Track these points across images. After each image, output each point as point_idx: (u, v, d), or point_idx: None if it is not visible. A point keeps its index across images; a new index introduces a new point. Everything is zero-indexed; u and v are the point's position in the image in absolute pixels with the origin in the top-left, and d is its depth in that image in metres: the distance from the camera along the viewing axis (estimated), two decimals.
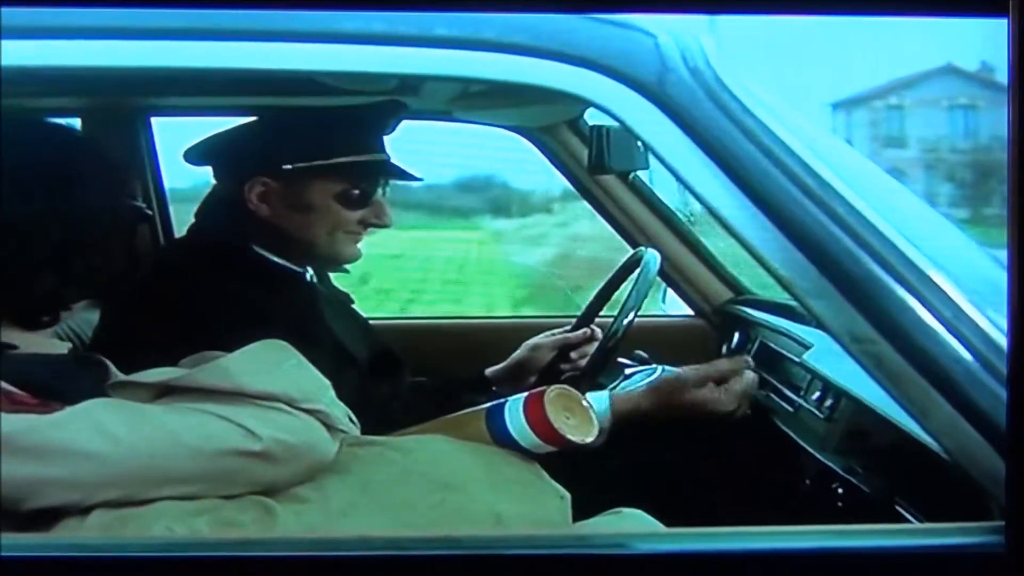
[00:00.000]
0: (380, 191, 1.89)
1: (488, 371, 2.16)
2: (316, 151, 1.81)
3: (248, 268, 1.82)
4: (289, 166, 1.80)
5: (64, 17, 1.11)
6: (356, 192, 1.84)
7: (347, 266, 1.95)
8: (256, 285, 1.78)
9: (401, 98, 1.85)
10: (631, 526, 1.37)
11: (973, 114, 12.04)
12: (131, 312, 1.65)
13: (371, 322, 2.18)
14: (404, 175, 1.92)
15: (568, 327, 2.19)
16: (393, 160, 1.90)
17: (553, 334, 2.17)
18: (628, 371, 2.10)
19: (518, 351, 2.15)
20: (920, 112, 12.10)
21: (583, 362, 2.10)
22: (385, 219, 1.89)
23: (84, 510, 1.13)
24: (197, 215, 1.93)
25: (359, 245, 1.91)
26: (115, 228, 1.36)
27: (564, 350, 2.15)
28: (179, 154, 1.99)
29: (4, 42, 1.09)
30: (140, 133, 2.46)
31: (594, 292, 2.25)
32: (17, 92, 1.18)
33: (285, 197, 1.83)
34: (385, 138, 1.91)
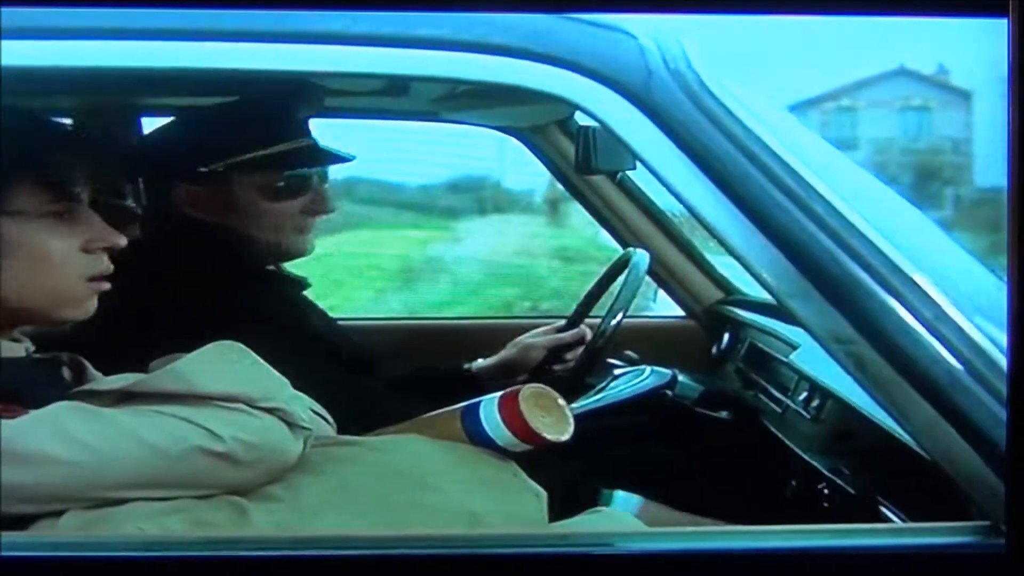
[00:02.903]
0: (315, 178, 1.86)
1: (475, 366, 2.16)
2: (227, 149, 1.80)
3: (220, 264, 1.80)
4: (205, 168, 1.80)
5: (63, 18, 1.12)
6: (282, 184, 1.82)
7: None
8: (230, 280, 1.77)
9: (385, 98, 1.84)
10: (610, 525, 1.37)
11: (926, 116, 12.03)
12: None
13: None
14: (332, 158, 1.89)
15: (559, 326, 2.19)
16: (319, 144, 1.87)
17: (544, 333, 2.16)
18: (617, 371, 2.11)
19: (507, 350, 2.15)
20: (872, 114, 12.07)
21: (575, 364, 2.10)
22: (326, 205, 1.87)
23: (56, 513, 1.12)
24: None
25: (308, 238, 1.88)
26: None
27: (557, 351, 2.15)
28: None
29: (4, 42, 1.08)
30: (132, 133, 2.45)
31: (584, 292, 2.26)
32: (15, 92, 1.18)
33: (214, 199, 1.81)
34: (310, 122, 1.88)
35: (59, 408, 1.15)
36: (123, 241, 1.33)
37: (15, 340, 1.30)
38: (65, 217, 1.29)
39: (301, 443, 1.23)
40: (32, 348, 1.32)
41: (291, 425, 1.22)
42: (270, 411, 1.20)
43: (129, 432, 1.14)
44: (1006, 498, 1.07)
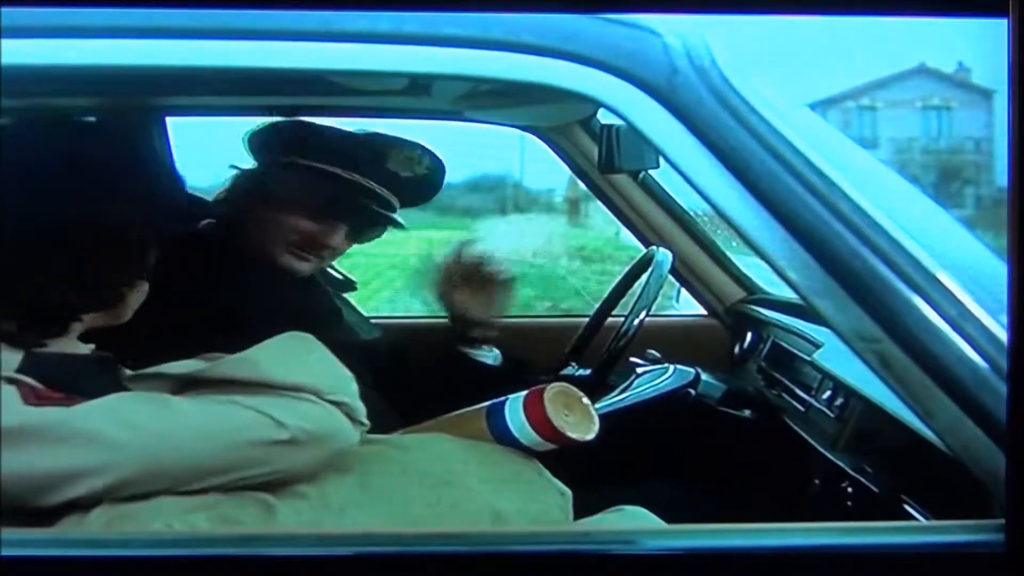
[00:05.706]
0: None
1: None
2: None
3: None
4: None
5: (76, 17, 1.12)
6: None
7: None
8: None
9: (406, 97, 1.84)
10: (634, 523, 1.37)
11: (947, 115, 11.94)
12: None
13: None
14: None
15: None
16: None
17: None
18: (640, 370, 2.11)
19: None
20: (892, 113, 11.99)
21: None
22: None
23: (85, 508, 1.13)
24: None
25: None
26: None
27: None
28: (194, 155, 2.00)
29: (17, 41, 1.09)
30: (155, 134, 2.46)
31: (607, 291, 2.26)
32: (32, 92, 1.19)
33: None
34: None
35: (119, 396, 1.17)
36: None
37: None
38: None
39: (358, 436, 1.25)
40: (94, 346, 1.34)
41: (352, 420, 1.24)
42: (336, 404, 1.22)
43: (190, 419, 1.16)
44: (1006, 498, 1.07)
